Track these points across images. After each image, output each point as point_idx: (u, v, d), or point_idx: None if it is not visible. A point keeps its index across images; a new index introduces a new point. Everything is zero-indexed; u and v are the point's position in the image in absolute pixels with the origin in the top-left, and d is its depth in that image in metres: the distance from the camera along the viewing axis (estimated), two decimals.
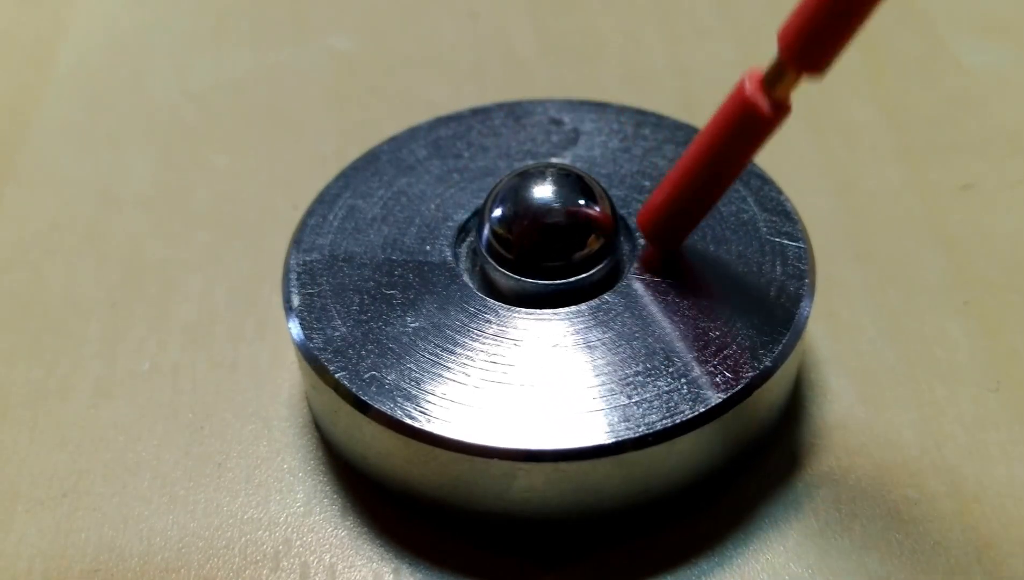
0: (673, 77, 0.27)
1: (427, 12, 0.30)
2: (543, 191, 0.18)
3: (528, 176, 0.19)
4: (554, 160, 0.21)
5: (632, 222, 0.20)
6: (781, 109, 0.16)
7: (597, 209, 0.18)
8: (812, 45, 0.15)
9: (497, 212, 0.19)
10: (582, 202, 0.18)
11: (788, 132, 0.25)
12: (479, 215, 0.19)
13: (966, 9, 0.29)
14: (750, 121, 0.16)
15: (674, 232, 0.19)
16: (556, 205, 0.18)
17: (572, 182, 0.19)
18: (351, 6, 0.30)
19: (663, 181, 0.18)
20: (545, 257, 0.18)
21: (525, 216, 0.18)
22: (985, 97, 0.26)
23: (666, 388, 0.17)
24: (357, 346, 0.18)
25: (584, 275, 0.18)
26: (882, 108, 0.26)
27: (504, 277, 0.19)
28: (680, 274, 0.19)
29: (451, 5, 0.30)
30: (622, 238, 0.19)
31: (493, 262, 0.19)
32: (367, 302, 0.18)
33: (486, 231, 0.19)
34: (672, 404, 0.17)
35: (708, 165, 0.17)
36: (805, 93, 0.27)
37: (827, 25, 0.15)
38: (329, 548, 0.18)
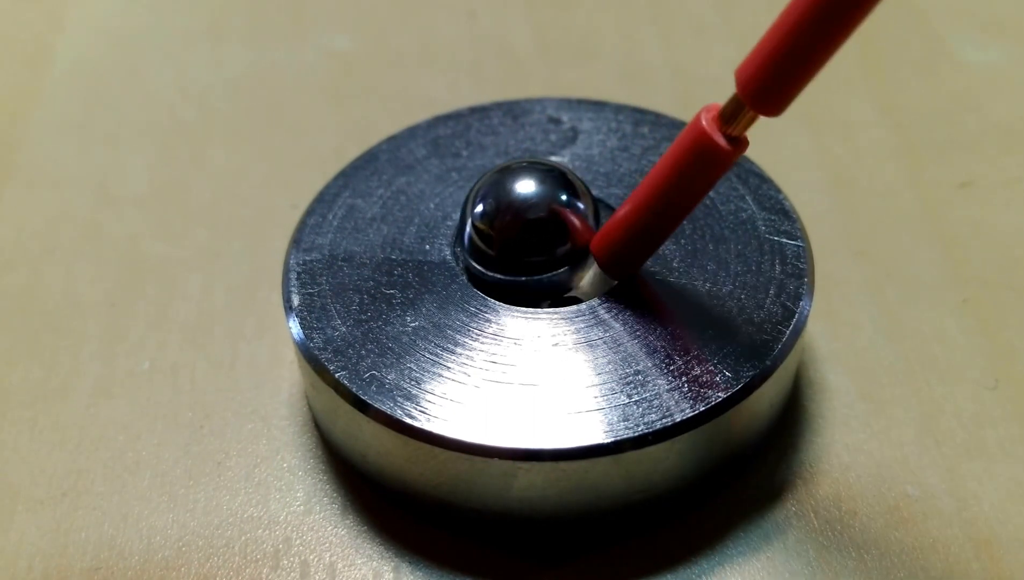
0: (671, 76, 0.27)
1: (425, 11, 0.30)
2: (523, 187, 0.18)
3: (506, 172, 0.19)
4: (552, 158, 0.21)
5: None
6: (739, 144, 0.16)
7: (579, 205, 0.18)
8: (769, 88, 0.15)
9: (477, 209, 0.19)
10: (563, 197, 0.18)
11: (787, 130, 0.25)
12: (460, 215, 0.19)
13: (964, 6, 0.29)
14: (707, 155, 0.16)
15: (628, 261, 0.18)
16: (535, 200, 0.18)
17: (552, 177, 0.19)
18: (349, 5, 0.30)
19: (619, 210, 0.18)
20: (526, 253, 0.18)
21: (505, 213, 0.18)
22: (983, 95, 0.26)
23: (666, 387, 0.17)
24: (357, 346, 0.18)
25: (564, 269, 0.19)
26: (880, 106, 0.26)
27: (485, 275, 0.19)
28: (680, 273, 0.19)
29: (449, 4, 0.30)
30: None
31: (474, 261, 0.19)
32: (367, 302, 0.18)
33: (468, 229, 0.19)
34: (672, 403, 0.17)
35: (665, 197, 0.17)
36: (803, 92, 0.27)
37: (784, 70, 0.14)
38: (329, 547, 0.18)
